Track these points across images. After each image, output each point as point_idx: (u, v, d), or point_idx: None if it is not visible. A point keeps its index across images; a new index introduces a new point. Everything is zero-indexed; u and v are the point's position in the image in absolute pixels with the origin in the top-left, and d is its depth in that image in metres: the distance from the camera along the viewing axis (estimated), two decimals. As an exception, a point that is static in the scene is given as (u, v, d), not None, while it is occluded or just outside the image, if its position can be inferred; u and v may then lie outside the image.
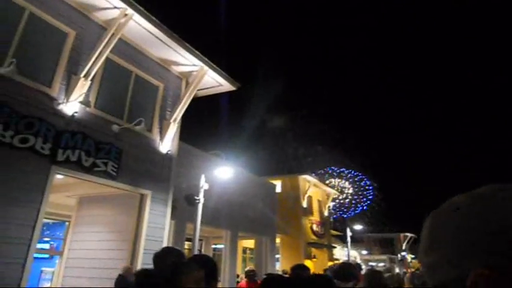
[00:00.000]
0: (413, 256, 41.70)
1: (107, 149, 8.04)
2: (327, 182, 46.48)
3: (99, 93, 8.34)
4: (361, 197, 52.04)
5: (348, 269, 4.10)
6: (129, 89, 9.09)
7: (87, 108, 7.87)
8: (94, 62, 7.75)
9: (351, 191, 52.78)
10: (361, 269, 4.11)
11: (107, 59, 8.24)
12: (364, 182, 52.81)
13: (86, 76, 7.68)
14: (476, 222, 0.65)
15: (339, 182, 51.80)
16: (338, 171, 52.16)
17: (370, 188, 52.85)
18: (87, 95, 7.83)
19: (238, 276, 15.87)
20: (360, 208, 51.79)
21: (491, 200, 0.66)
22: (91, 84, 7.90)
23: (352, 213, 49.71)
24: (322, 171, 50.66)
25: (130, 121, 8.77)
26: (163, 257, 3.11)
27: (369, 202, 52.14)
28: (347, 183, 52.27)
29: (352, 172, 52.96)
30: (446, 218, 0.69)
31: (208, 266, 2.82)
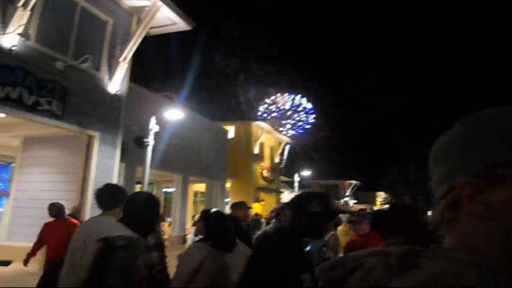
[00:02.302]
0: (355, 201, 44.42)
1: (51, 87, 7.62)
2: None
3: (40, 25, 7.70)
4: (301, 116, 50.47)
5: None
6: (74, 23, 8.46)
7: (28, 42, 7.30)
8: (33, -11, 7.07)
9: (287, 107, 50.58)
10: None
11: (49, -13, 7.56)
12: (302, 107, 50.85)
13: (25, 5, 7.01)
14: (472, 129, 0.63)
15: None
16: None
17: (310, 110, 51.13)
18: (26, 27, 7.21)
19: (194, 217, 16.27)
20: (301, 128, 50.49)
21: (491, 112, 0.64)
22: (31, 15, 7.25)
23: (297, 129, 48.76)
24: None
25: (76, 58, 8.26)
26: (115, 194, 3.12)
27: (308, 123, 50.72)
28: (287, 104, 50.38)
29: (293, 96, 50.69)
30: (441, 141, 0.67)
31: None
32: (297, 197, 2.51)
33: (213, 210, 3.40)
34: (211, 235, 2.95)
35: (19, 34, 7.03)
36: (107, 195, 3.07)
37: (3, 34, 6.86)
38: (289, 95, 51.25)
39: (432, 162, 0.68)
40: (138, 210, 2.89)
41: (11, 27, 6.90)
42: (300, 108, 51.72)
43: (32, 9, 7.22)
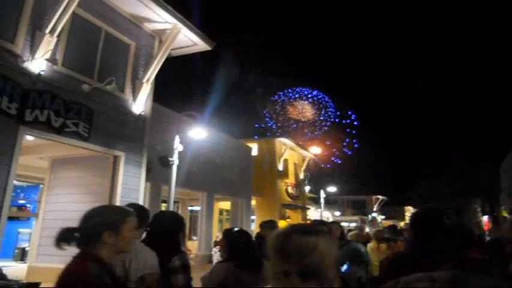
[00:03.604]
0: (383, 217, 43.34)
1: (77, 109, 7.81)
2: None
3: (66, 50, 7.98)
4: (323, 114, 48.42)
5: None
6: (98, 47, 8.72)
7: (55, 67, 7.55)
8: (60, 16, 7.33)
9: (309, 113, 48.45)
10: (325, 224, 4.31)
11: (74, 13, 7.82)
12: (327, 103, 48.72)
13: (52, 32, 7.29)
14: None
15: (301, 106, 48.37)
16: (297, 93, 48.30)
17: (331, 107, 48.90)
18: (53, 52, 7.48)
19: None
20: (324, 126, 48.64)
21: None
22: (57, 40, 7.52)
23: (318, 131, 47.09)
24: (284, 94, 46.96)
25: (101, 81, 8.48)
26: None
27: (331, 120, 48.65)
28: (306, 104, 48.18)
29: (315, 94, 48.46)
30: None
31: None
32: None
33: (235, 229, 3.32)
34: (234, 255, 2.88)
35: (47, 59, 7.28)
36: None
37: (32, 60, 7.12)
38: (314, 93, 48.38)
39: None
40: (162, 230, 2.84)
41: (39, 53, 7.16)
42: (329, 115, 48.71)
43: (58, 36, 7.49)
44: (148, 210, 3.24)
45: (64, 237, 1.77)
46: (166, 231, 2.83)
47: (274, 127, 44.55)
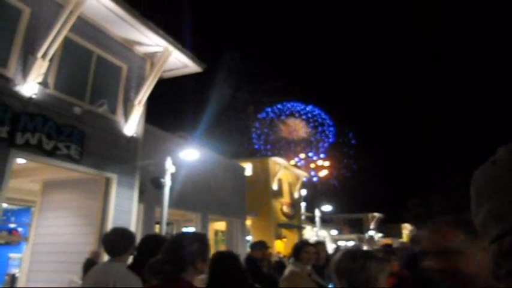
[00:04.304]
0: (380, 235, 43.08)
1: (69, 131, 7.83)
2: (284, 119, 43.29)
3: (58, 74, 8.06)
4: (320, 134, 47.37)
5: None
6: (90, 70, 8.82)
7: (47, 90, 7.61)
8: (52, 41, 7.45)
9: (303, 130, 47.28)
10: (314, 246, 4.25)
11: (66, 38, 7.94)
12: (323, 120, 47.62)
13: (44, 56, 7.40)
14: None
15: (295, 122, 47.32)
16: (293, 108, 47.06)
17: (330, 124, 47.87)
18: (45, 76, 7.55)
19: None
20: (322, 148, 47.68)
21: None
22: (50, 64, 7.61)
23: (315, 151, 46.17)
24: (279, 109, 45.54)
25: (92, 103, 8.54)
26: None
27: (329, 141, 47.72)
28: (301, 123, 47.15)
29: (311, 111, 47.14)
30: (487, 173, 0.60)
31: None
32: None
33: (220, 251, 3.21)
34: (216, 280, 2.79)
35: (39, 83, 7.34)
36: (115, 241, 2.96)
37: (24, 83, 7.18)
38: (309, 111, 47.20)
39: (476, 196, 0.60)
40: (148, 255, 2.81)
41: (31, 77, 7.23)
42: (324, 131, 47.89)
43: (50, 60, 7.59)
44: (134, 234, 3.21)
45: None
46: (152, 256, 2.80)
47: (262, 149, 43.95)
